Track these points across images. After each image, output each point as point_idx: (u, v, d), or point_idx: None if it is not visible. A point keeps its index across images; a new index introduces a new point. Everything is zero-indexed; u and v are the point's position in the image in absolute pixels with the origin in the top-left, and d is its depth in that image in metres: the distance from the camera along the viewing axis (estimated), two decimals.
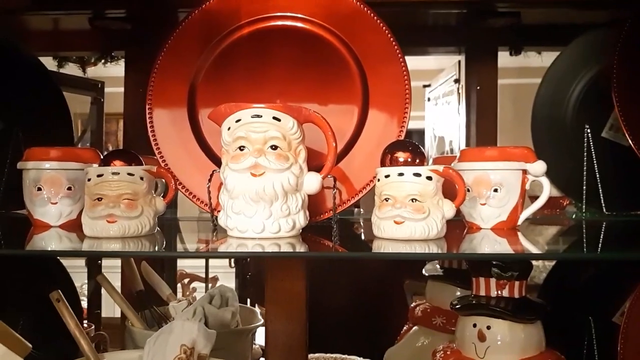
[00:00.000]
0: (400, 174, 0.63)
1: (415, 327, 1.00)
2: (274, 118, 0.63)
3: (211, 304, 0.99)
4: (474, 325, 0.72)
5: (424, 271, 1.04)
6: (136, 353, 0.83)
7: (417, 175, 0.62)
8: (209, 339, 0.79)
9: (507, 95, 1.34)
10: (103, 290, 1.56)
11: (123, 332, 1.03)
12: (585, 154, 0.98)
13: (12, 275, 0.98)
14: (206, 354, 0.79)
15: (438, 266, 1.01)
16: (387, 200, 0.63)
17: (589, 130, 0.99)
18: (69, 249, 0.68)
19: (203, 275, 2.32)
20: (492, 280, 0.73)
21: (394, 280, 1.51)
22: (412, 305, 1.04)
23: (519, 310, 0.71)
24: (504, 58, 1.25)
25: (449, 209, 0.64)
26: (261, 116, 0.63)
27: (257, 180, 0.62)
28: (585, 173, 0.98)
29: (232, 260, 1.57)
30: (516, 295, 0.73)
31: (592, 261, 1.02)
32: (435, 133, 2.08)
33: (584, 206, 0.99)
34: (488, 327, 0.71)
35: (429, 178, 0.63)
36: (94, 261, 1.41)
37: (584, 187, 0.97)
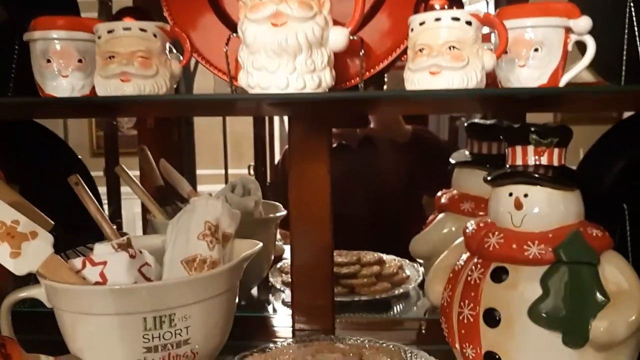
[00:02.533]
0: (437, 19, 0.57)
1: (441, 214, 0.97)
2: None
3: (233, 193, 0.97)
4: (510, 195, 0.69)
5: (450, 159, 1.00)
6: (159, 238, 0.82)
7: (456, 19, 0.57)
8: (234, 219, 0.76)
9: None
10: (123, 211, 1.56)
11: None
12: (626, 27, 0.91)
13: (33, 165, 0.96)
14: (231, 233, 0.76)
15: (467, 152, 0.97)
16: (421, 51, 0.58)
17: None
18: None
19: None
20: (530, 148, 0.69)
21: (412, 196, 1.49)
22: (437, 194, 1.01)
23: (558, 176, 0.68)
24: None
25: (489, 59, 0.59)
26: None
27: (279, 31, 0.57)
28: (625, 48, 0.91)
29: (251, 167, 1.55)
30: (555, 164, 0.69)
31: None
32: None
33: (622, 84, 0.93)
34: (525, 195, 0.68)
35: (469, 23, 0.57)
36: (111, 168, 1.39)
37: (624, 60, 0.91)
